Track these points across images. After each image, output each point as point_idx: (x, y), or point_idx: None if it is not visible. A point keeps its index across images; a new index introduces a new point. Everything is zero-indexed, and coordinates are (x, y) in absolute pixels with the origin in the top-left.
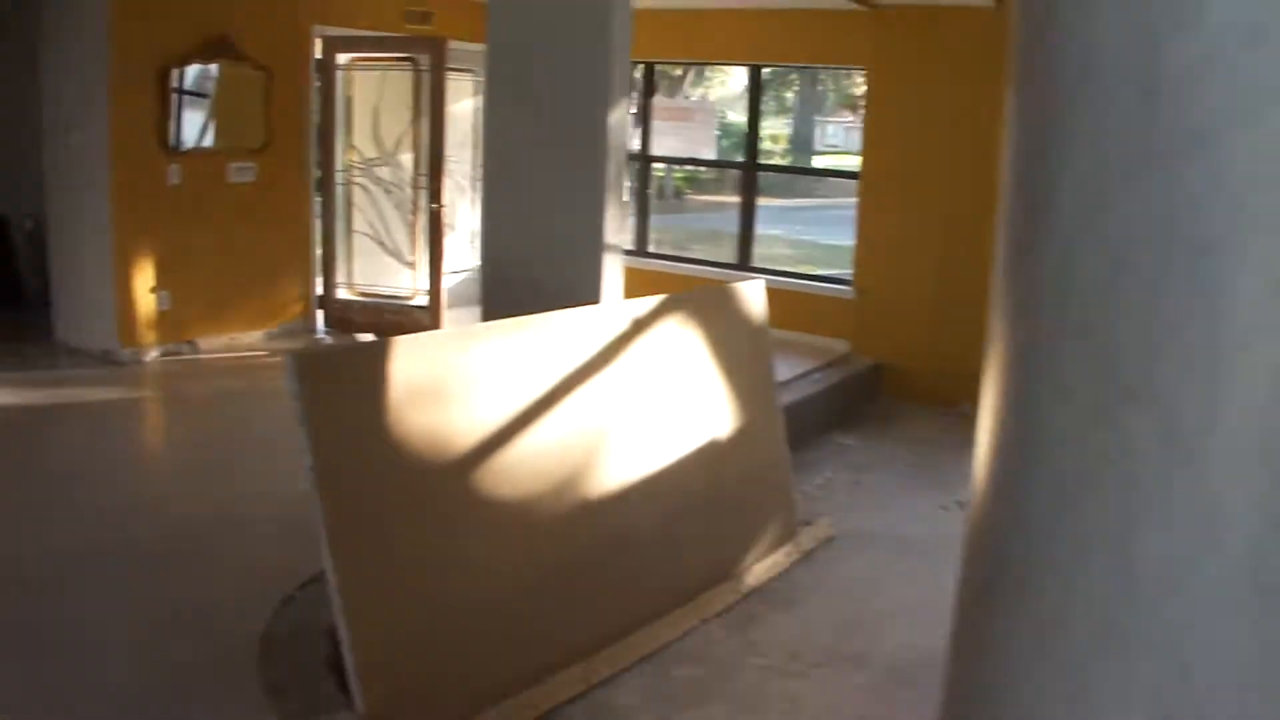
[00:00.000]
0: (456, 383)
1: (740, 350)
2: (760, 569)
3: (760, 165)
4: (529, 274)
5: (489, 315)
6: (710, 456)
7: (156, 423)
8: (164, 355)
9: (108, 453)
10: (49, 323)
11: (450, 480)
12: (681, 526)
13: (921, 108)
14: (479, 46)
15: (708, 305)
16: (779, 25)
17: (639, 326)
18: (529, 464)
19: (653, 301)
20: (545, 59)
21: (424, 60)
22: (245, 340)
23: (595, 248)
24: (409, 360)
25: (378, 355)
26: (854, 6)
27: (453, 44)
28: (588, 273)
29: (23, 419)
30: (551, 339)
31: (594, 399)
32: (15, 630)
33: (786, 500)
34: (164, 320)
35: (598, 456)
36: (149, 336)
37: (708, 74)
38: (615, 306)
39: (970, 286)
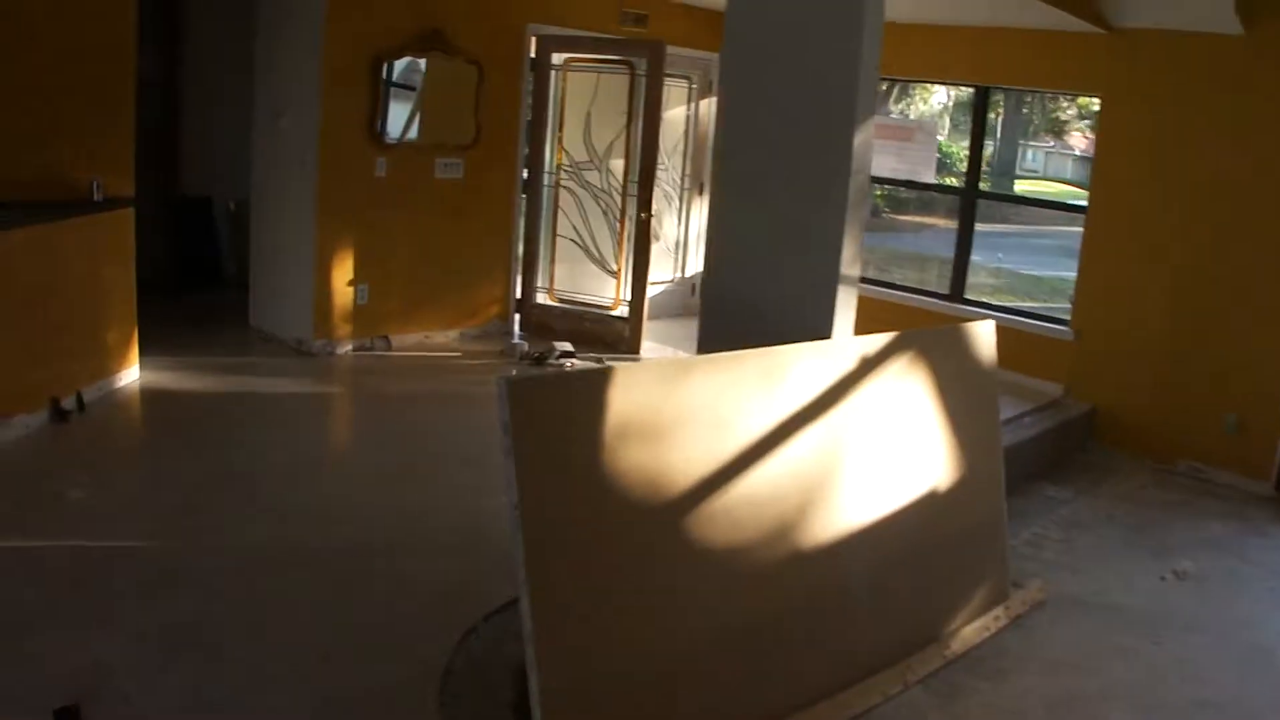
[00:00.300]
0: (672, 417)
1: (967, 396)
2: (968, 632)
3: (982, 193)
4: (754, 301)
5: (706, 342)
6: (928, 508)
7: (344, 421)
8: (356, 350)
9: (292, 450)
10: (244, 307)
11: (658, 521)
12: (892, 582)
13: (1159, 140)
14: (693, 52)
15: (938, 346)
16: (1008, 45)
17: (867, 366)
18: (741, 507)
19: (883, 339)
20: (786, 72)
21: (640, 64)
22: (438, 339)
23: (830, 278)
24: (624, 391)
25: (592, 384)
26: (1089, 29)
27: (669, 49)
28: (819, 304)
29: (211, 407)
30: (775, 374)
31: (814, 441)
32: (184, 634)
33: (1000, 558)
34: (360, 314)
35: (813, 503)
36: (343, 329)
37: (911, 91)
38: (844, 343)
39: (1204, 334)
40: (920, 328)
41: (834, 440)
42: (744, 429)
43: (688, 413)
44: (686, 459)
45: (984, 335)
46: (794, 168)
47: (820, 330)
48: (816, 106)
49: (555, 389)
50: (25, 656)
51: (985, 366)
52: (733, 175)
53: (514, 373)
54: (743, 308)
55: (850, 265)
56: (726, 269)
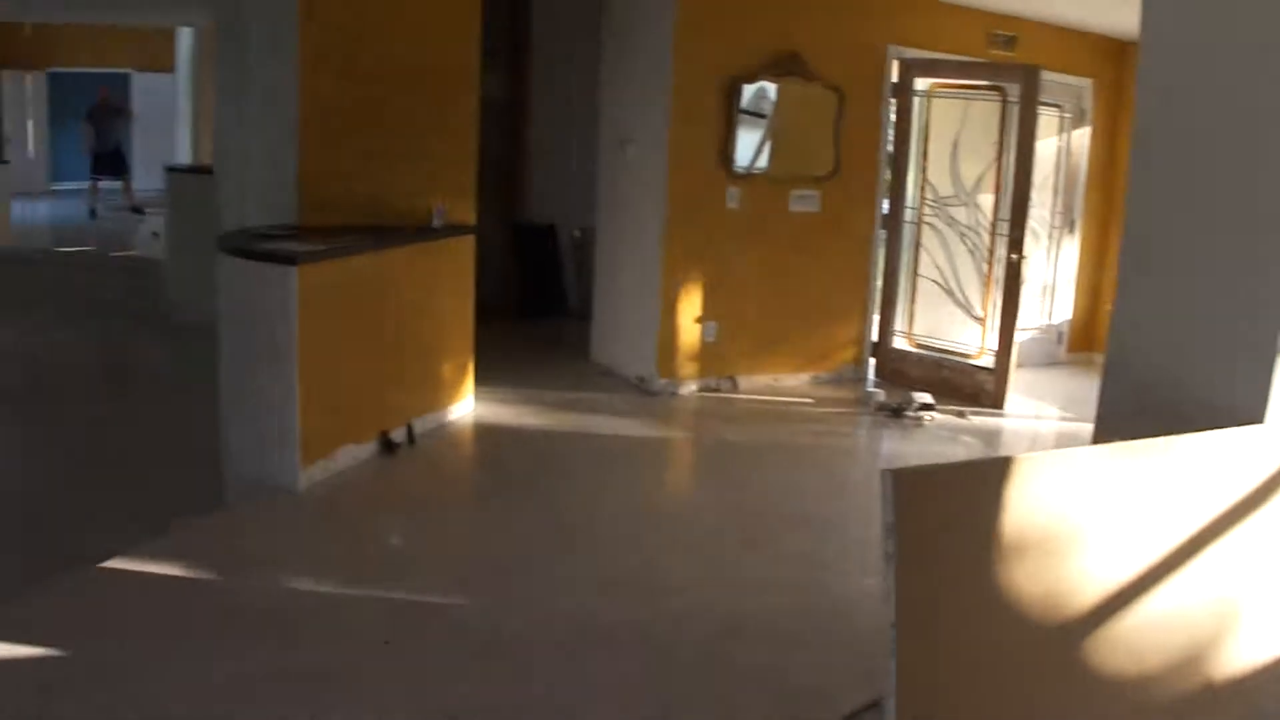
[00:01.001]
0: (1077, 519)
1: None
2: None
3: None
4: (1170, 371)
5: (1109, 419)
6: None
7: (684, 471)
8: (701, 390)
9: (627, 503)
10: (585, 339)
11: (1050, 647)
12: None
13: None
14: (1065, 78)
15: None
16: None
17: None
18: (1144, 632)
19: None
20: (1221, 99)
21: (1012, 90)
22: (788, 383)
23: (1267, 349)
24: (1026, 486)
25: (989, 477)
26: None
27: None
28: (1252, 380)
29: (544, 448)
30: (1200, 467)
31: (1233, 550)
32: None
33: None
34: (706, 353)
35: (1226, 628)
36: (688, 369)
37: None
38: (1276, 429)
39: None
40: None
41: (1255, 549)
42: (1156, 534)
43: (1095, 514)
44: (1089, 571)
45: None
46: (1231, 214)
47: (1250, 410)
48: (1261, 141)
49: (948, 483)
50: None
51: None
52: (1149, 227)
53: (869, 422)
54: (1156, 378)
55: None
56: (1138, 331)
